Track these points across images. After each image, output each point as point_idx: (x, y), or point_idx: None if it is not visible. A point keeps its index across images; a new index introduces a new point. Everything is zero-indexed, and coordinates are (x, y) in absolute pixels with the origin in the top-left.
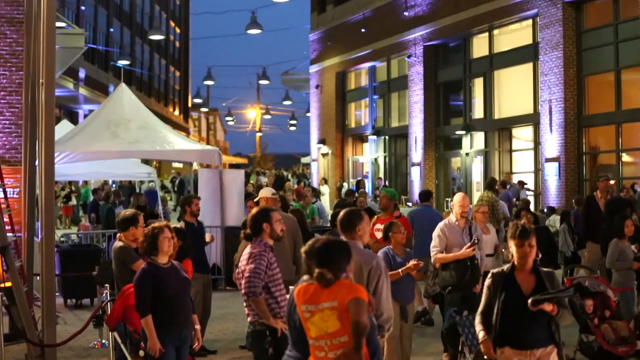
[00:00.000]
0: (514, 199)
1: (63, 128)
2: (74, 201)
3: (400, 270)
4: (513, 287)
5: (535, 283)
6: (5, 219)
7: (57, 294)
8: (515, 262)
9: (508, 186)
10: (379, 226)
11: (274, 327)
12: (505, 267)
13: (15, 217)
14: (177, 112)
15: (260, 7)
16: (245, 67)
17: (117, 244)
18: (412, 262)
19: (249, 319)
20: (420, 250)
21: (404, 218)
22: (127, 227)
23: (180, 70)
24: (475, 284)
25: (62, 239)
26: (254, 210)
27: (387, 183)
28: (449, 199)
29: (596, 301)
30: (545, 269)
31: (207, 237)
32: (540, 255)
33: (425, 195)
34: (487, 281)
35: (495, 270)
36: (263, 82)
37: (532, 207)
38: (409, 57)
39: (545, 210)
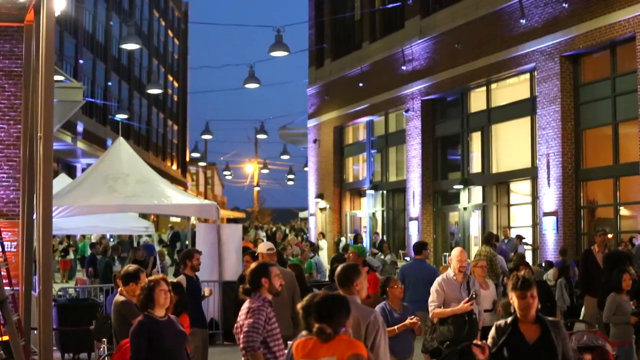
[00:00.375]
0: (512, 254)
1: (61, 182)
2: (71, 255)
3: (396, 327)
4: (517, 337)
5: (540, 333)
6: (2, 273)
7: (54, 348)
8: (518, 314)
9: (506, 240)
10: None
11: None
12: (509, 319)
13: (13, 270)
14: (175, 167)
15: (258, 61)
16: (243, 122)
17: (119, 298)
18: (408, 320)
19: None
20: (412, 305)
21: (373, 275)
22: (127, 282)
23: (178, 124)
24: (474, 339)
25: (59, 293)
26: (253, 265)
27: (384, 238)
28: (447, 254)
29: (595, 355)
30: (550, 318)
31: (206, 291)
32: (539, 306)
33: (418, 247)
34: (491, 332)
35: (498, 322)
36: (261, 136)
37: (529, 261)
38: (406, 111)
39: (543, 264)
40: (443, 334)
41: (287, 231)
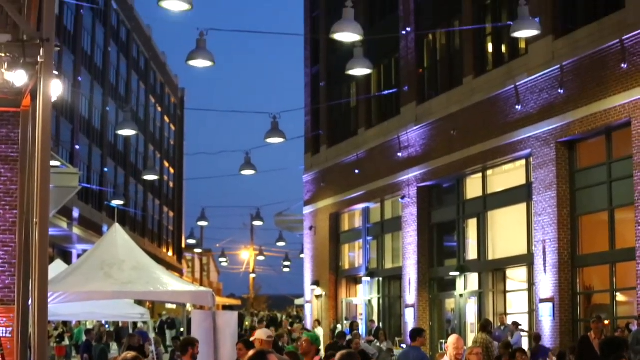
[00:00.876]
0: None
1: (56, 268)
2: (67, 341)
3: None
4: None
5: None
6: None
7: None
8: None
9: (503, 327)
10: None
11: None
12: None
13: (8, 356)
14: (170, 253)
15: (255, 147)
16: (239, 208)
17: None
18: None
19: None
20: None
21: None
22: None
23: (174, 211)
24: None
25: None
26: (251, 352)
27: (381, 325)
28: (443, 341)
29: None
30: None
31: None
32: None
33: (413, 334)
34: None
35: None
36: (257, 223)
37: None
38: (402, 198)
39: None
40: None
41: (284, 318)
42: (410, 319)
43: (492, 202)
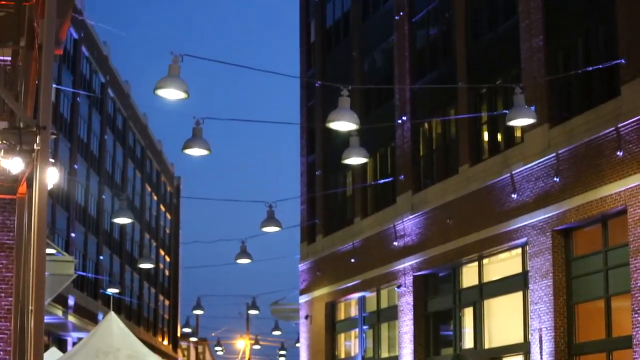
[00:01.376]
0: None
1: (51, 356)
2: None
3: None
4: None
5: None
6: None
7: None
8: None
9: None
10: None
11: None
12: None
13: None
14: (166, 342)
15: (250, 236)
16: (234, 297)
17: None
18: None
19: None
20: None
21: None
22: None
23: (169, 299)
24: None
25: None
26: None
27: None
28: None
29: None
30: None
31: None
32: None
33: None
34: None
35: None
36: (252, 312)
37: None
38: (398, 287)
39: None
40: None
41: None
42: None
43: (488, 290)
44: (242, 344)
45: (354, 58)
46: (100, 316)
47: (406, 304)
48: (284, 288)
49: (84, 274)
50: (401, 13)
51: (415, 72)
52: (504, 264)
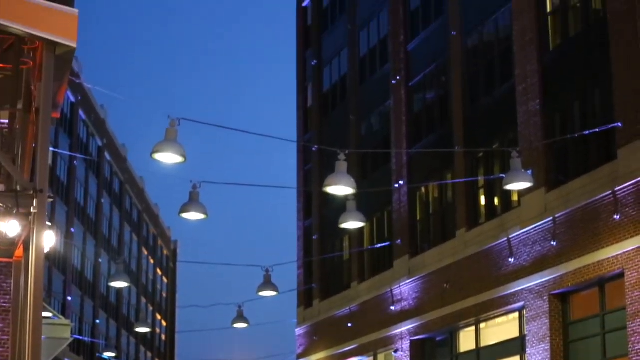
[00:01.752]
0: None
1: None
2: None
3: None
4: None
5: None
6: None
7: None
8: None
9: None
10: None
11: None
12: None
13: None
14: None
15: (247, 300)
16: None
17: None
18: None
19: None
20: None
21: None
22: None
23: None
24: None
25: None
26: None
27: None
28: None
29: None
30: None
31: None
32: None
33: None
34: None
35: None
36: None
37: None
38: (395, 351)
39: None
40: None
41: None
42: None
43: (486, 355)
44: None
45: (351, 122)
46: None
47: None
48: (281, 352)
49: (81, 337)
50: (398, 77)
51: (412, 136)
52: (501, 328)
